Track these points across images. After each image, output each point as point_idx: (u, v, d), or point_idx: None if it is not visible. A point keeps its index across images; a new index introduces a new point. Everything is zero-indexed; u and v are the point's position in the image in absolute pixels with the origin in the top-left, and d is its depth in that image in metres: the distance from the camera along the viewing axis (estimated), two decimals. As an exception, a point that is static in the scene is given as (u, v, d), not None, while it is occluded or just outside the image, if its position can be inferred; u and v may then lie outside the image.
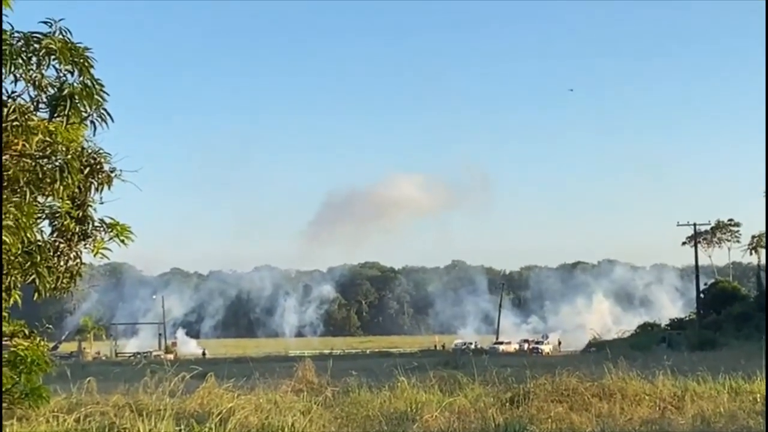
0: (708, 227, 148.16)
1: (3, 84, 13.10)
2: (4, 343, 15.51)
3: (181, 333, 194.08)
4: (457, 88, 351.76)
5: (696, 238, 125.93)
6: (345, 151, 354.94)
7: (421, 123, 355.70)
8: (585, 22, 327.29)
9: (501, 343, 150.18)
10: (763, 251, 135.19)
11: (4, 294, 13.73)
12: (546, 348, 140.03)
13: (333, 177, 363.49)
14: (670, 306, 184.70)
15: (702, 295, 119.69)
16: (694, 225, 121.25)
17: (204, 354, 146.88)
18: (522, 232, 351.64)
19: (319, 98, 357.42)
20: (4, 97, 13.22)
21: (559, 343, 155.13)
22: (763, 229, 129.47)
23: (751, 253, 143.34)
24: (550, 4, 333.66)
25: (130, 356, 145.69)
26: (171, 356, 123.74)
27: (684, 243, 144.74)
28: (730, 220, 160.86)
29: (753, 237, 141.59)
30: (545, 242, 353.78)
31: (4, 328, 15.16)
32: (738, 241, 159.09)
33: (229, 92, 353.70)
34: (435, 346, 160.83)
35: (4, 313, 14.80)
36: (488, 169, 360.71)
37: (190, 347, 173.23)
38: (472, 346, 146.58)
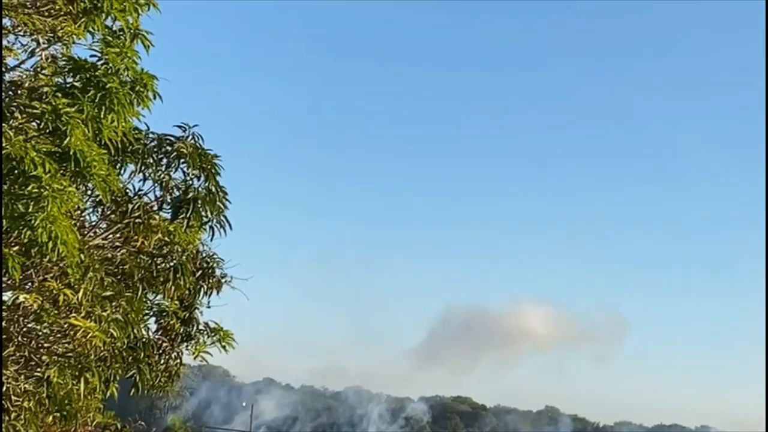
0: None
1: (131, 181, 13.51)
2: (95, 435, 15.64)
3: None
4: (611, 235, 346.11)
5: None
6: (476, 270, 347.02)
7: (569, 252, 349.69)
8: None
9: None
10: None
11: (102, 385, 13.86)
12: None
13: (455, 297, 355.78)
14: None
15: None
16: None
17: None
18: (624, 383, 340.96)
19: (454, 213, 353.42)
20: (131, 194, 13.59)
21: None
22: None
23: None
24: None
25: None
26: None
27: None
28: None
29: None
30: (644, 398, 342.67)
31: (97, 420, 15.29)
32: None
33: (355, 201, 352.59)
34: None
35: (100, 404, 14.94)
36: (622, 317, 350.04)
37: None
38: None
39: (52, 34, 12.80)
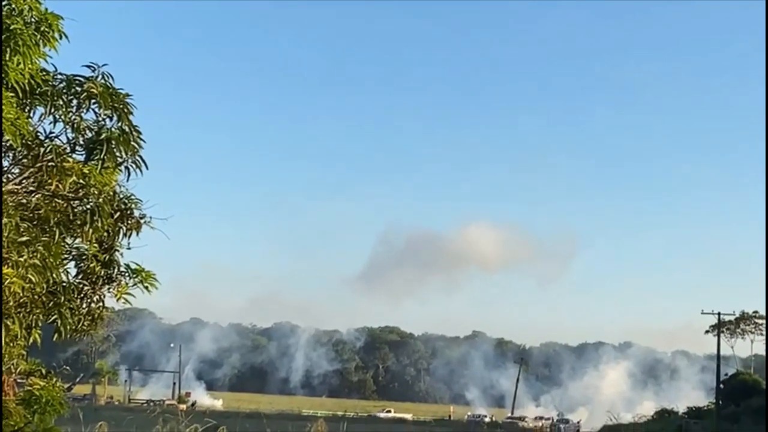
0: (733, 317, 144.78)
1: (42, 124, 13.26)
2: (20, 381, 15.49)
3: (195, 383, 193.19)
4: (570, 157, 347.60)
5: (719, 328, 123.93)
6: (421, 194, 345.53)
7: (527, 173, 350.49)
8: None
9: (519, 418, 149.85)
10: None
11: (24, 332, 13.72)
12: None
13: (399, 221, 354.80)
14: (690, 394, 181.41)
15: (722, 386, 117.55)
16: (719, 314, 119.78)
17: (194, 406, 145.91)
18: (559, 305, 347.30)
19: (403, 140, 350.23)
20: (42, 137, 13.33)
21: (579, 423, 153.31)
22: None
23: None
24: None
25: (143, 403, 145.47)
26: (184, 406, 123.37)
27: (707, 331, 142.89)
28: (755, 312, 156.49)
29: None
30: (574, 319, 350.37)
31: (21, 367, 15.16)
32: (762, 334, 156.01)
33: (300, 137, 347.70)
34: (449, 416, 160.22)
35: (23, 351, 14.78)
36: (574, 237, 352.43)
37: (203, 398, 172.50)
38: (486, 419, 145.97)
39: (-51, -25, 12.41)
